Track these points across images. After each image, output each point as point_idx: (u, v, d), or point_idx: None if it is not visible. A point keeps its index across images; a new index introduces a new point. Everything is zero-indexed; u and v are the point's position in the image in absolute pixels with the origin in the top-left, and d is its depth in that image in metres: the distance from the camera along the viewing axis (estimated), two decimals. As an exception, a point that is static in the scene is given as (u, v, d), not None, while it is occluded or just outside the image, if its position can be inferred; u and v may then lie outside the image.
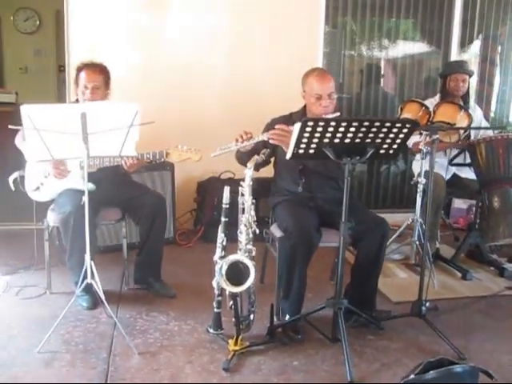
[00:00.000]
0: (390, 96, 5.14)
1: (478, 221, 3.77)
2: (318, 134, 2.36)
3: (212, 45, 4.39)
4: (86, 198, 2.55)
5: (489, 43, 5.16)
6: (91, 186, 3.08)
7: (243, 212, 2.53)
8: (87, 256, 2.60)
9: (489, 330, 2.93)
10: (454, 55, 5.00)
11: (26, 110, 2.39)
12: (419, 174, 3.63)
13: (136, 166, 3.08)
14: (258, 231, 2.55)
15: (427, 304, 2.82)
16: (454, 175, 3.92)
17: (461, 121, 3.30)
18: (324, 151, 2.43)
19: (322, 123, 2.31)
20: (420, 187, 3.56)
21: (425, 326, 2.80)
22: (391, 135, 2.41)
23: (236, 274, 2.49)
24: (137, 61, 4.27)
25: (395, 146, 2.49)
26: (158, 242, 3.22)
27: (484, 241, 3.52)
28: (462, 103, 3.69)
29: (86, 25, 4.16)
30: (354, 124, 2.32)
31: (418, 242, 3.59)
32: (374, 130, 2.36)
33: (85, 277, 2.63)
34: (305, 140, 2.39)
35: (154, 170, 3.96)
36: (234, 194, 4.43)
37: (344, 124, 2.32)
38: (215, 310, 2.70)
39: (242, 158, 2.87)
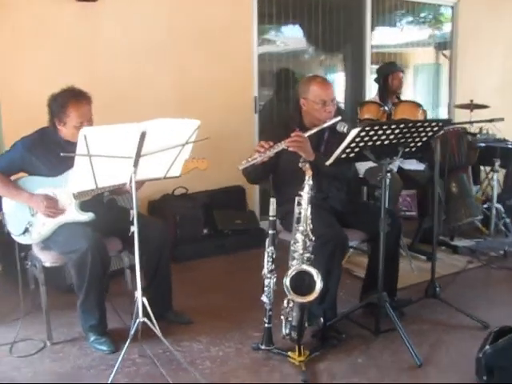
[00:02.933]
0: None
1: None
2: (367, 138, 2.48)
3: (147, 57, 4.23)
4: (135, 228, 2.32)
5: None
6: (92, 215, 2.82)
7: (298, 222, 2.53)
8: (138, 292, 2.38)
9: (485, 299, 3.32)
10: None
11: (85, 133, 2.10)
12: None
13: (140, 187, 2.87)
14: (313, 239, 2.56)
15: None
16: (399, 167, 4.30)
17: (421, 117, 3.68)
18: (364, 154, 2.56)
19: (376, 127, 2.43)
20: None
21: (436, 305, 3.09)
22: (422, 134, 2.62)
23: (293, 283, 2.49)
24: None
25: (419, 144, 2.71)
26: (167, 274, 2.98)
27: (447, 222, 3.93)
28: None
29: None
30: (401, 126, 2.49)
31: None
32: (412, 130, 2.55)
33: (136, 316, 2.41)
34: (353, 145, 2.49)
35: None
36: (192, 209, 4.34)
37: (393, 127, 2.47)
38: (266, 325, 2.66)
39: (256, 172, 2.86)
